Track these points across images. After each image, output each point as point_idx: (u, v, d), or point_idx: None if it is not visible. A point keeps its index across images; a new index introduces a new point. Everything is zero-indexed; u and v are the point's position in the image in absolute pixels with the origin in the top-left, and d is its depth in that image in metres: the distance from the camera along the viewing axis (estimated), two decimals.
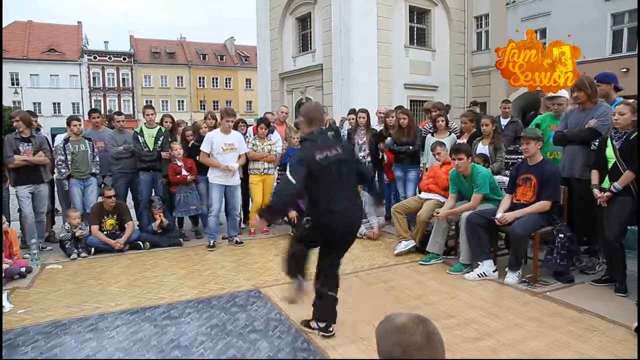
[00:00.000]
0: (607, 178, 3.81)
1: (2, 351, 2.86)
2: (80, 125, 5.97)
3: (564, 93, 4.70)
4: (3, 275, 4.22)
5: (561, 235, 3.98)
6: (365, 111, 6.63)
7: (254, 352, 2.90)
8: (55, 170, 5.83)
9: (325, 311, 3.09)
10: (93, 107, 35.21)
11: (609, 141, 3.84)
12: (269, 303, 3.72)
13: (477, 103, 9.85)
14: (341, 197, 2.97)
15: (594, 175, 3.93)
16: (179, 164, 5.89)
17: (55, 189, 6.18)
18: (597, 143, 4.06)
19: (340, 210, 2.94)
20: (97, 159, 5.91)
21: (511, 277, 4.05)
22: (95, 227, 5.42)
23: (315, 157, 2.91)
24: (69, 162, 5.69)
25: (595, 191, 3.85)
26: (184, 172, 5.86)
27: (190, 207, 5.93)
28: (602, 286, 3.87)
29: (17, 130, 5.46)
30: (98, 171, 5.93)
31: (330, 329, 3.09)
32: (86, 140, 5.87)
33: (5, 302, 3.75)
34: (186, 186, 5.89)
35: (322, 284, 3.08)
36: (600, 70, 4.63)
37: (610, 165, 3.80)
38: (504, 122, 6.63)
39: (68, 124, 5.92)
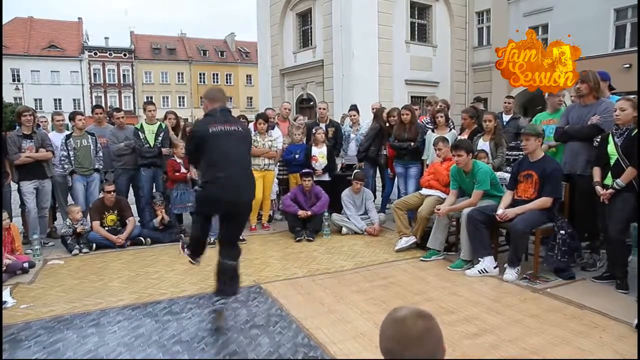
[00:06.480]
0: (609, 175, 3.78)
1: (2, 347, 2.87)
2: (84, 120, 5.97)
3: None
4: (5, 270, 4.24)
5: (562, 232, 3.98)
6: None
7: (254, 347, 2.91)
8: (53, 167, 5.82)
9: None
10: (94, 103, 35.26)
11: (610, 138, 3.82)
12: (269, 299, 3.73)
13: (480, 99, 9.75)
14: (229, 165, 3.14)
15: (596, 173, 3.91)
16: (179, 161, 5.89)
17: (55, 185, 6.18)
18: (599, 139, 4.04)
19: (225, 176, 3.10)
20: (101, 154, 5.91)
21: (510, 274, 4.06)
22: (96, 223, 5.43)
23: (208, 129, 3.17)
24: (72, 158, 5.70)
25: (598, 188, 3.82)
26: (183, 170, 5.85)
27: (186, 205, 5.93)
28: (603, 283, 3.87)
29: (18, 128, 5.46)
30: (101, 167, 5.93)
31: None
32: (89, 136, 5.87)
33: (8, 297, 3.77)
34: (184, 184, 5.89)
35: (220, 254, 3.37)
36: (603, 66, 4.64)
37: (612, 162, 3.78)
38: (506, 118, 6.60)
39: (72, 119, 5.93)
